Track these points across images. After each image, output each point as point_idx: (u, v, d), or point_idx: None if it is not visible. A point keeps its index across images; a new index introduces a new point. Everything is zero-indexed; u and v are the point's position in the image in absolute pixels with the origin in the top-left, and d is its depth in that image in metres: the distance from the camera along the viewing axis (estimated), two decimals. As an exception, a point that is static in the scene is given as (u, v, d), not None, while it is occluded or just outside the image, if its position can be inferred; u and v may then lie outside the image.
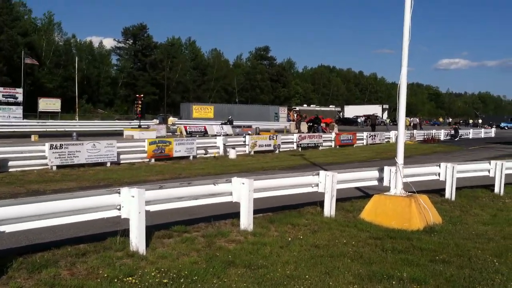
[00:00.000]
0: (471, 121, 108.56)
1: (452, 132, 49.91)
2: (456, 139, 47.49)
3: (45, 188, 14.26)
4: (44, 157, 18.28)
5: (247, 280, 6.63)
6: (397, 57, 10.65)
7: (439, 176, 13.65)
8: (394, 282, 6.72)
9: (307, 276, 6.81)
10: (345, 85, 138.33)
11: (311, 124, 47.11)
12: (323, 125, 48.80)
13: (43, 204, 6.94)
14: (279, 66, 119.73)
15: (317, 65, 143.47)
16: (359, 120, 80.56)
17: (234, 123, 49.67)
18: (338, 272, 7.07)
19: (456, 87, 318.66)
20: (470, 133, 55.57)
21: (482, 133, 58.94)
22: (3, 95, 51.49)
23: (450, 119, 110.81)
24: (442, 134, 48.01)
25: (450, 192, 13.47)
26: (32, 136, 30.57)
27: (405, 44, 10.47)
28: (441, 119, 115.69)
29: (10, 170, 17.23)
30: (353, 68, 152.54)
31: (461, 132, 52.43)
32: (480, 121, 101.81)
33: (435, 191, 13.93)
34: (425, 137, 44.30)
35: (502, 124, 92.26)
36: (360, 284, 6.63)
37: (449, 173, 13.42)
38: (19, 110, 51.42)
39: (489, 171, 15.09)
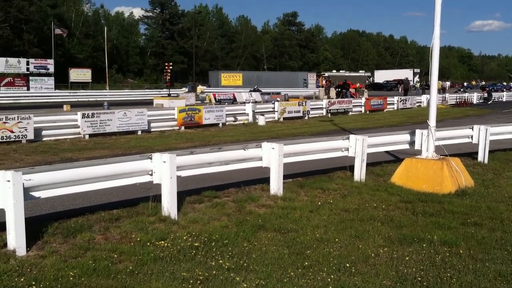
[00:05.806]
0: (504, 83, 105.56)
1: (485, 95, 48.78)
2: (489, 102, 46.43)
3: (78, 156, 14.51)
4: (76, 126, 18.59)
5: (277, 243, 6.69)
6: (428, 19, 10.42)
7: (472, 139, 13.43)
8: (424, 245, 6.70)
9: (336, 240, 6.83)
10: (375, 50, 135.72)
11: (339, 89, 46.56)
12: (352, 90, 48.16)
13: (77, 170, 7.06)
14: (307, 32, 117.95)
15: (346, 29, 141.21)
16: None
17: (262, 90, 49.36)
18: (368, 236, 7.08)
19: (490, 49, 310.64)
20: (504, 96, 54.23)
21: (517, 95, 57.48)
22: (34, 66, 52.16)
23: (483, 82, 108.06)
24: (475, 97, 47.02)
25: (482, 155, 13.25)
26: (64, 106, 31.04)
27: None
28: (474, 82, 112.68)
29: (44, 139, 17.59)
30: (383, 32, 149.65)
31: (494, 95, 51.20)
32: None
33: (467, 154, 13.73)
34: (458, 100, 43.46)
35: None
36: (390, 247, 6.63)
37: (482, 135, 13.19)
38: (50, 81, 51.98)
39: (524, 134, 14.78)
